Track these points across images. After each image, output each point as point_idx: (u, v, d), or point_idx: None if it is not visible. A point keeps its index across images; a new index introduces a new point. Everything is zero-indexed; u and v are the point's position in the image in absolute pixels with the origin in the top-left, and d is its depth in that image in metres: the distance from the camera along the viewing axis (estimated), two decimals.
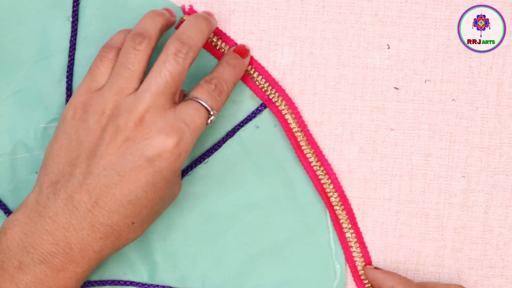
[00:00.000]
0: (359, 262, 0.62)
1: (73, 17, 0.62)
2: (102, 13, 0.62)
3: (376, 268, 0.62)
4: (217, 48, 0.62)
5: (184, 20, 0.62)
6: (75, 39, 0.62)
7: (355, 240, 0.62)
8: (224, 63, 0.60)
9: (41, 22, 0.62)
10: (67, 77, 0.62)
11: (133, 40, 0.56)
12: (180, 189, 0.59)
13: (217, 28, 0.62)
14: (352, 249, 0.62)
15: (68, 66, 0.62)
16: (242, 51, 0.61)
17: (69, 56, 0.62)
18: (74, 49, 0.62)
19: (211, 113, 0.57)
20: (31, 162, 0.62)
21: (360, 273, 0.62)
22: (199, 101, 0.57)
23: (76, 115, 0.56)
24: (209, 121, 0.57)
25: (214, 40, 0.62)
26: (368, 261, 0.63)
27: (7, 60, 0.62)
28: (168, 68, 0.55)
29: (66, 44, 0.62)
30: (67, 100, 0.62)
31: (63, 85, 0.62)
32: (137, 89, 0.56)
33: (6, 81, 0.62)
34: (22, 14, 0.62)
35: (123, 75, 0.56)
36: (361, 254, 0.62)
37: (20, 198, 0.62)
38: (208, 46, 0.62)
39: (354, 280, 0.62)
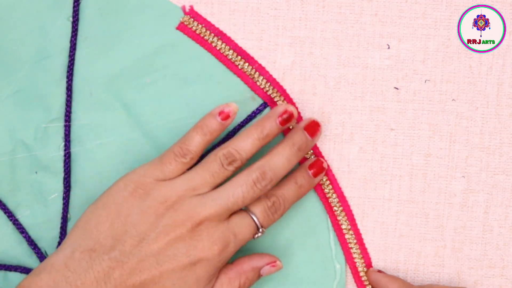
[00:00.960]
0: (360, 264, 0.62)
1: (73, 17, 0.62)
2: (103, 13, 0.62)
3: (379, 271, 0.62)
4: (217, 48, 0.62)
5: (184, 21, 0.62)
6: (75, 39, 0.62)
7: (355, 241, 0.62)
8: (292, 181, 0.59)
9: (41, 22, 0.62)
10: (67, 77, 0.62)
11: (226, 159, 0.57)
12: None
13: (217, 28, 0.62)
14: (352, 250, 0.62)
15: (69, 66, 0.62)
16: (318, 169, 0.60)
17: (70, 56, 0.62)
18: (75, 49, 0.62)
19: (260, 230, 0.58)
20: (31, 162, 0.62)
21: (360, 274, 0.62)
22: (252, 216, 0.57)
23: (135, 193, 0.56)
24: (255, 236, 0.58)
25: (214, 40, 0.62)
26: (368, 262, 0.63)
27: (7, 60, 0.62)
28: (243, 191, 0.56)
29: (67, 44, 0.62)
30: (67, 100, 0.62)
31: (63, 85, 0.62)
32: (206, 192, 0.57)
33: (6, 81, 0.62)
34: (22, 14, 0.62)
35: (203, 179, 0.57)
36: (361, 256, 0.62)
37: (20, 198, 0.62)
38: (209, 47, 0.62)
39: (355, 281, 0.62)
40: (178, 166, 0.57)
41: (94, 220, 0.56)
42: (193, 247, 0.55)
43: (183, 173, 0.57)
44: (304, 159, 0.62)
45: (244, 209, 0.58)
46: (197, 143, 0.57)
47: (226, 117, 0.58)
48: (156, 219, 0.55)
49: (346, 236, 0.62)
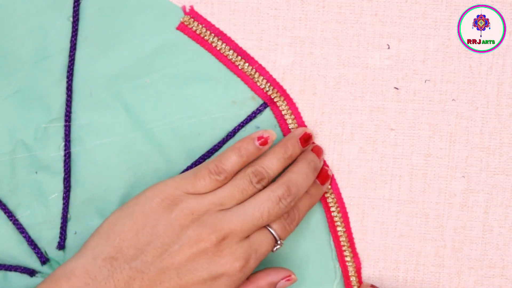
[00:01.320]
0: (351, 268, 0.62)
1: (73, 17, 0.62)
2: (103, 13, 0.62)
3: (372, 286, 0.62)
4: (217, 48, 0.62)
5: (184, 22, 0.62)
6: (75, 39, 0.62)
7: (348, 244, 0.62)
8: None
9: (41, 22, 0.62)
10: (67, 77, 0.62)
11: (254, 176, 0.58)
12: None
13: (217, 28, 0.62)
14: (345, 253, 0.62)
15: (69, 66, 0.62)
16: (324, 177, 0.61)
17: (70, 56, 0.62)
18: (75, 49, 0.62)
19: (278, 242, 0.58)
20: (31, 162, 0.62)
21: (351, 279, 0.62)
22: (271, 230, 0.58)
23: (163, 204, 0.56)
24: (274, 249, 0.58)
25: (215, 40, 0.62)
26: (358, 267, 0.62)
27: (7, 60, 0.62)
28: (269, 206, 0.57)
29: (67, 44, 0.62)
30: (67, 100, 0.62)
31: (63, 85, 0.62)
32: (232, 207, 0.57)
33: (6, 81, 0.62)
34: (22, 14, 0.62)
35: (232, 195, 0.57)
36: (353, 260, 0.62)
37: (20, 198, 0.62)
38: (209, 47, 0.62)
39: (345, 284, 0.62)
40: (211, 183, 0.57)
41: (118, 228, 0.56)
42: (215, 262, 0.55)
43: (213, 190, 0.58)
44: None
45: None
46: (233, 163, 0.58)
47: (264, 142, 0.59)
48: (181, 231, 0.55)
49: (341, 239, 0.62)
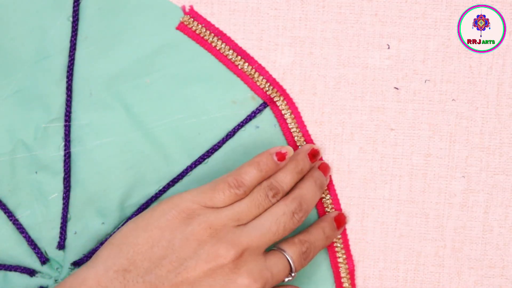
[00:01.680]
0: (343, 269, 0.62)
1: (73, 17, 0.62)
2: (103, 13, 0.62)
3: None
4: (217, 48, 0.62)
5: (184, 21, 0.62)
6: (75, 39, 0.62)
7: (342, 246, 0.62)
8: (321, 230, 0.60)
9: (41, 22, 0.62)
10: (67, 77, 0.62)
11: (270, 190, 0.57)
12: None
13: (217, 28, 0.62)
14: (338, 254, 0.62)
15: (68, 66, 0.62)
16: (341, 221, 0.62)
17: (70, 56, 0.62)
18: (75, 49, 0.62)
19: (292, 274, 0.58)
20: (31, 162, 0.62)
21: (342, 280, 0.62)
22: (289, 260, 0.57)
23: (179, 217, 0.55)
24: (286, 279, 0.58)
25: (214, 40, 0.62)
26: (351, 269, 0.62)
27: (7, 60, 0.62)
28: (284, 221, 0.57)
29: (66, 44, 0.62)
30: (67, 100, 0.62)
31: (63, 85, 0.62)
32: (248, 222, 0.57)
33: (6, 81, 0.62)
34: (22, 14, 0.62)
35: (249, 210, 0.57)
36: (346, 261, 0.62)
37: (20, 198, 0.62)
38: (208, 47, 0.62)
39: (336, 286, 0.62)
40: (230, 197, 0.57)
41: (132, 240, 0.55)
42: (231, 281, 0.54)
43: (230, 204, 0.57)
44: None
45: (279, 250, 0.58)
46: (252, 177, 0.57)
47: (282, 158, 0.58)
48: (198, 245, 0.55)
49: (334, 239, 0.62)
